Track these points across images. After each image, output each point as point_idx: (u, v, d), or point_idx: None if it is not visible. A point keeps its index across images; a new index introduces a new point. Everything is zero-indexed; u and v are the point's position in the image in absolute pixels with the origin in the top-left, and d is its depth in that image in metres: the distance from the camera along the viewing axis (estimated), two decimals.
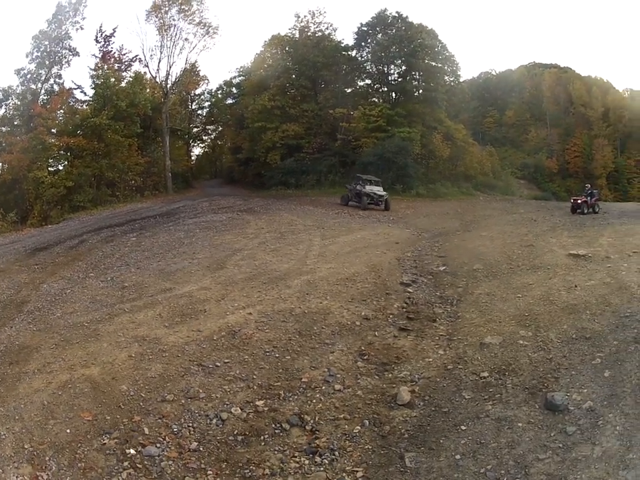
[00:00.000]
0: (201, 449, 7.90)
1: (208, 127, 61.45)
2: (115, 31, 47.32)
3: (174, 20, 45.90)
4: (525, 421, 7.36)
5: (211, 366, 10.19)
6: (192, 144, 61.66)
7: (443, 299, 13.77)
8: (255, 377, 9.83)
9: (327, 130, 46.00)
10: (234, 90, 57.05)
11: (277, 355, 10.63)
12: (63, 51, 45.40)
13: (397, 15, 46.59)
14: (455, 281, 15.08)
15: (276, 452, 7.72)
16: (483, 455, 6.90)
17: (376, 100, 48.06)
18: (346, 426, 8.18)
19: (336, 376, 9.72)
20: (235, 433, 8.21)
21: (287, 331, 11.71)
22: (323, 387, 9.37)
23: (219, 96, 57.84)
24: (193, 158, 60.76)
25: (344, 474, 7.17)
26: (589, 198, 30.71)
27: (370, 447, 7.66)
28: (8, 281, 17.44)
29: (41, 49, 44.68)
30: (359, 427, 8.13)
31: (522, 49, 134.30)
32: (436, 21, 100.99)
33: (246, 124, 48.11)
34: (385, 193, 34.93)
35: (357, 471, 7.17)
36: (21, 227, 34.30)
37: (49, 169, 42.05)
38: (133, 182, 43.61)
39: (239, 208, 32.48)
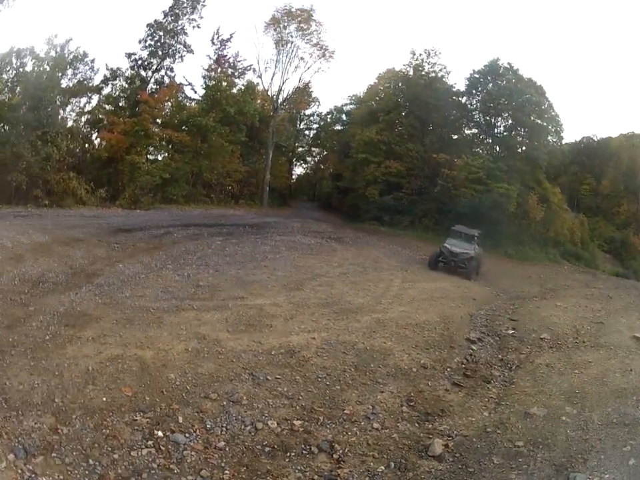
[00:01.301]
0: (227, 449, 8.10)
1: (313, 148, 62.20)
2: (231, 36, 48.16)
3: (291, 37, 47.03)
4: None
5: (261, 377, 10.43)
6: (295, 163, 62.49)
7: (503, 362, 13.52)
8: (300, 397, 9.99)
9: (428, 174, 45.14)
10: (343, 117, 57.42)
11: (328, 383, 10.74)
12: (178, 45, 46.32)
13: (508, 66, 45.56)
14: (520, 347, 14.75)
15: (297, 471, 7.81)
16: None
17: (480, 151, 46.95)
18: (372, 463, 8.16)
19: (378, 415, 9.73)
20: (264, 443, 8.37)
21: (344, 362, 11.81)
22: (362, 423, 9.40)
23: (328, 120, 58.63)
24: (293, 177, 61.52)
25: None
26: None
27: None
28: (84, 251, 18.46)
29: (155, 39, 45.77)
30: (383, 467, 8.10)
31: (623, 116, 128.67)
32: (544, 77, 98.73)
33: (350, 153, 48.13)
34: (472, 251, 28.84)
35: None
36: (108, 205, 35.70)
37: (148, 156, 43.41)
38: (229, 187, 44.93)
39: (329, 235, 32.89)
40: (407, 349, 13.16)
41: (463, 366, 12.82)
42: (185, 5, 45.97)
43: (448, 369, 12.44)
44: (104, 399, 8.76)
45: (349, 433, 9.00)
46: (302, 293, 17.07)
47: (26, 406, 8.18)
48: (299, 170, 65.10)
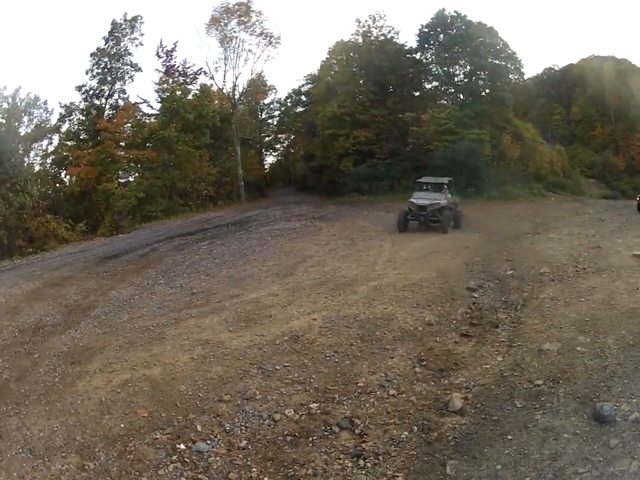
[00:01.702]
0: (250, 447, 8.14)
1: (279, 135, 61.88)
2: (175, 46, 48.15)
3: (235, 32, 46.64)
4: (572, 432, 7.18)
5: (270, 369, 10.43)
6: (264, 153, 62.29)
7: (507, 304, 13.55)
8: (312, 380, 10.00)
9: (398, 135, 45.15)
10: (303, 98, 57.09)
11: (337, 360, 10.74)
12: (125, 67, 46.51)
13: (455, 14, 45.58)
14: (521, 285, 14.83)
15: (322, 453, 7.86)
16: (524, 466, 6.78)
17: (444, 102, 47.08)
18: (394, 431, 8.21)
19: (392, 381, 9.76)
20: (285, 433, 8.41)
21: (349, 336, 11.81)
22: (378, 392, 9.42)
23: (289, 104, 58.29)
24: (266, 167, 61.38)
25: (384, 478, 7.22)
26: None
27: (414, 453, 7.66)
28: (76, 287, 18.34)
29: (101, 66, 45.88)
30: (407, 433, 8.14)
31: (581, 41, 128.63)
32: (493, 18, 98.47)
33: (317, 131, 48.22)
34: (443, 200, 26.72)
35: (398, 476, 7.21)
36: (91, 237, 35.64)
37: (119, 180, 43.65)
38: (205, 192, 44.60)
39: (311, 215, 32.88)
40: (409, 310, 13.17)
41: (468, 315, 12.86)
42: (124, 26, 45.89)
43: (454, 322, 12.49)
44: (122, 425, 8.76)
45: (367, 405, 9.04)
46: (295, 277, 17.06)
47: (50, 451, 8.19)
48: (270, 159, 65.02)
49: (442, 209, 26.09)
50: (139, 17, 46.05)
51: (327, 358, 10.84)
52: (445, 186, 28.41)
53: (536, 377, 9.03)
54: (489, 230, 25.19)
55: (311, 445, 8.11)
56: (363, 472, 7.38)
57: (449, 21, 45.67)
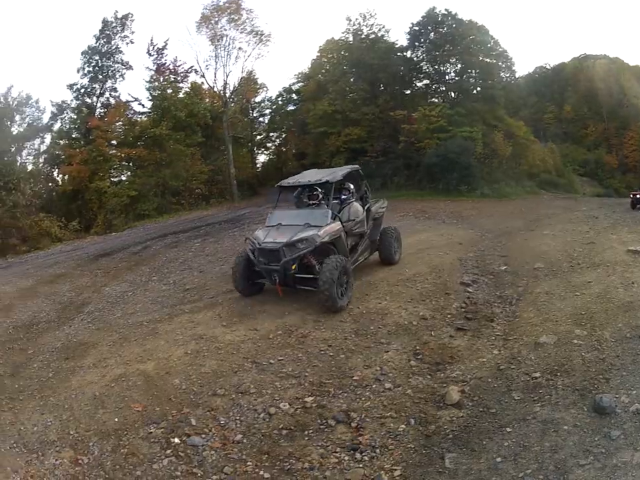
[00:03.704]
0: (245, 441, 8.12)
1: (271, 133, 61.52)
2: (166, 44, 48.16)
3: (225, 30, 46.57)
4: (572, 424, 7.20)
5: (264, 363, 10.42)
6: (256, 151, 62.07)
7: (502, 298, 13.56)
8: (307, 374, 9.99)
9: (389, 132, 45.15)
10: (294, 96, 57.14)
11: (332, 354, 10.73)
12: (115, 65, 46.57)
13: (446, 12, 45.73)
14: (516, 280, 14.84)
15: (318, 447, 7.85)
16: (524, 458, 6.77)
17: (436, 100, 47.23)
18: (391, 424, 8.21)
19: (387, 375, 9.75)
20: (281, 427, 8.40)
21: (343, 330, 11.79)
22: (374, 386, 9.41)
23: (280, 103, 58.21)
24: (258, 165, 61.03)
25: (382, 472, 7.18)
26: None
27: (412, 446, 7.65)
28: (69, 284, 18.44)
29: (92, 64, 45.90)
30: (404, 426, 8.14)
31: (573, 40, 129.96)
32: (484, 16, 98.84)
33: (308, 129, 48.22)
34: (325, 232, 13.37)
35: (395, 470, 7.18)
36: (84, 235, 35.93)
37: (111, 179, 43.85)
38: (197, 190, 44.52)
39: None
40: (403, 304, 13.15)
41: (463, 310, 12.86)
42: (114, 24, 45.90)
43: (448, 316, 12.50)
44: (116, 419, 8.75)
45: (363, 399, 9.02)
46: None
47: (44, 445, 8.20)
48: (262, 158, 64.16)
49: (324, 249, 13.53)
50: (130, 15, 46.02)
51: (322, 352, 10.83)
52: (346, 187, 15.84)
53: (533, 369, 9.04)
54: (482, 227, 25.15)
55: (306, 438, 8.10)
56: (360, 465, 7.37)
57: (439, 19, 45.82)
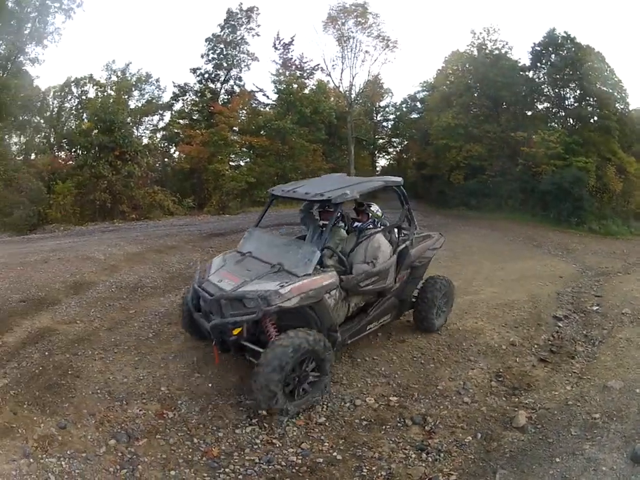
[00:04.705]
0: (327, 424, 8.90)
1: (393, 139, 61.69)
2: (293, 40, 49.20)
3: (352, 32, 47.01)
4: (609, 467, 7.47)
5: (359, 359, 11.24)
6: (377, 155, 62.27)
7: (587, 337, 13.65)
8: (396, 376, 10.72)
9: (509, 153, 44.20)
10: (418, 105, 56.69)
11: (422, 362, 11.40)
12: (241, 55, 48.12)
13: (565, 35, 44.00)
14: (603, 322, 14.82)
15: (391, 442, 8.51)
16: None
17: (555, 125, 45.53)
18: (460, 434, 8.78)
19: (468, 390, 10.33)
20: (362, 418, 9.13)
21: (438, 342, 12.41)
22: (454, 397, 10.01)
23: (404, 109, 58.05)
24: (378, 169, 60.76)
25: (440, 474, 7.75)
26: None
27: (472, 457, 8.19)
28: (179, 256, 19.58)
29: (217, 51, 47.62)
30: (470, 438, 8.70)
31: None
32: (599, 43, 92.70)
33: (430, 140, 47.66)
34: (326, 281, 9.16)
35: (452, 475, 7.74)
36: (197, 213, 37.63)
37: (230, 163, 45.22)
38: None
39: (418, 223, 32.40)
40: (496, 327, 13.65)
41: (550, 342, 13.10)
42: (240, 16, 47.51)
43: (535, 346, 12.79)
44: (209, 384, 9.67)
45: (441, 407, 9.63)
46: None
47: (131, 396, 9.08)
48: (382, 162, 64.38)
49: (299, 310, 8.98)
50: (255, 8, 47.49)
51: (414, 358, 11.52)
52: (366, 211, 11.95)
53: (595, 410, 9.33)
54: (584, 263, 24.87)
55: (382, 432, 8.77)
56: (423, 465, 7.99)
57: (559, 41, 44.29)
